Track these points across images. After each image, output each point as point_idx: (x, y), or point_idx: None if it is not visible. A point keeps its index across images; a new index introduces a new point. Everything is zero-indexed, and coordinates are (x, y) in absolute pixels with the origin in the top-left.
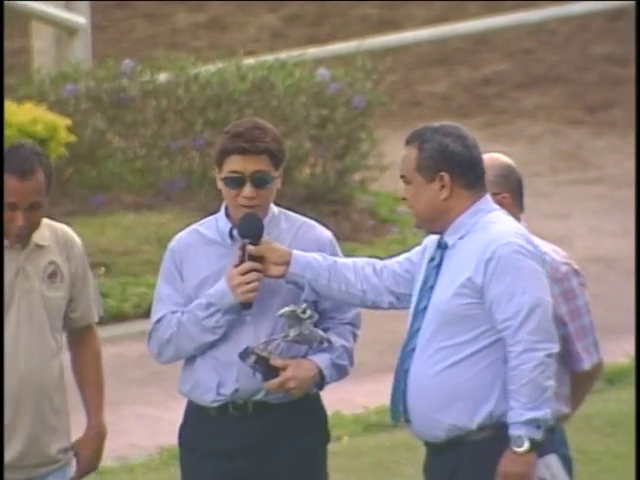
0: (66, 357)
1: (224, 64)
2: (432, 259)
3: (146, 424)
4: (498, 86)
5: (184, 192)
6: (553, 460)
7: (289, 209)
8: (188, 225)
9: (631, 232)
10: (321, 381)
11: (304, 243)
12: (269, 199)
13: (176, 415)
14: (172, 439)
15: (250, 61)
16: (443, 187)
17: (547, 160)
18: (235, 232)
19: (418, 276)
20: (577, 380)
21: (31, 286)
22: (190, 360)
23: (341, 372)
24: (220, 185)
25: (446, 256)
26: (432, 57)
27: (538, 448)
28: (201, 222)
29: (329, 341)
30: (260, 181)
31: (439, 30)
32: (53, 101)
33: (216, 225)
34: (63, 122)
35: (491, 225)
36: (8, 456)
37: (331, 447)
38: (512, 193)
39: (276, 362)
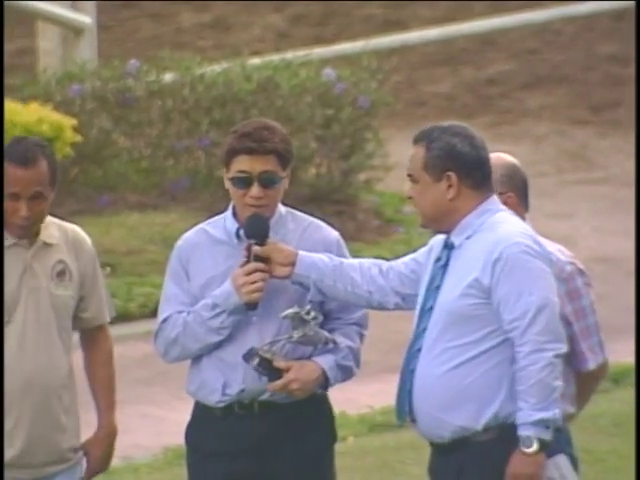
0: (79, 356)
1: (229, 64)
2: (438, 259)
3: (150, 424)
4: (503, 86)
5: (189, 192)
6: (562, 460)
7: (294, 209)
8: (193, 225)
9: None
10: (325, 382)
11: (311, 243)
12: (276, 199)
13: (181, 415)
14: (176, 439)
15: (255, 61)
16: (450, 187)
17: (552, 160)
18: (242, 232)
19: (424, 276)
20: (582, 380)
21: (38, 284)
22: (196, 360)
23: (346, 373)
24: (227, 185)
25: (453, 256)
26: (437, 57)
27: (547, 448)
28: (209, 221)
29: (334, 342)
30: (267, 181)
31: (444, 30)
32: (59, 101)
33: (223, 225)
34: (69, 122)
35: (498, 225)
36: (10, 454)
37: (336, 447)
38: (517, 193)
39: (279, 363)
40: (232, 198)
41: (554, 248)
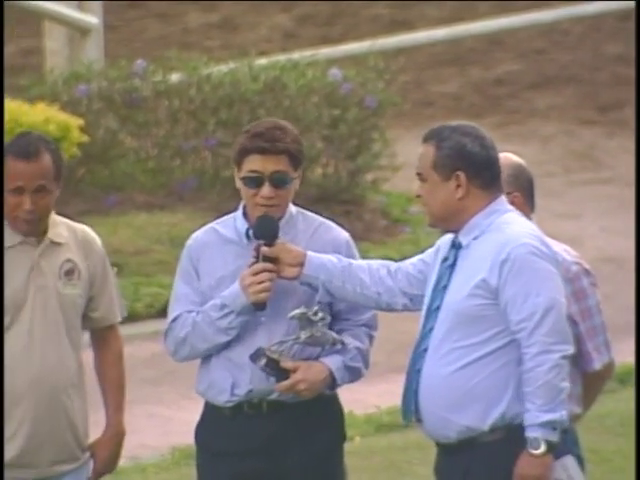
0: (89, 356)
1: (236, 64)
2: (446, 259)
3: (158, 424)
4: (510, 86)
5: (196, 192)
6: (570, 461)
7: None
8: (201, 225)
9: None
10: (333, 383)
11: (320, 244)
12: (287, 199)
13: (188, 415)
14: (184, 439)
15: (262, 61)
16: (459, 186)
17: (559, 160)
18: (252, 232)
19: (431, 276)
20: (588, 380)
21: (46, 282)
22: (206, 360)
23: (354, 374)
24: (239, 184)
25: (460, 256)
26: (444, 57)
27: (555, 450)
28: (219, 220)
29: (342, 343)
30: (279, 181)
31: (452, 30)
32: (66, 101)
33: (234, 224)
34: (75, 122)
35: (506, 226)
36: (15, 452)
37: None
38: (523, 192)
39: (286, 364)
40: (243, 198)
41: (560, 248)
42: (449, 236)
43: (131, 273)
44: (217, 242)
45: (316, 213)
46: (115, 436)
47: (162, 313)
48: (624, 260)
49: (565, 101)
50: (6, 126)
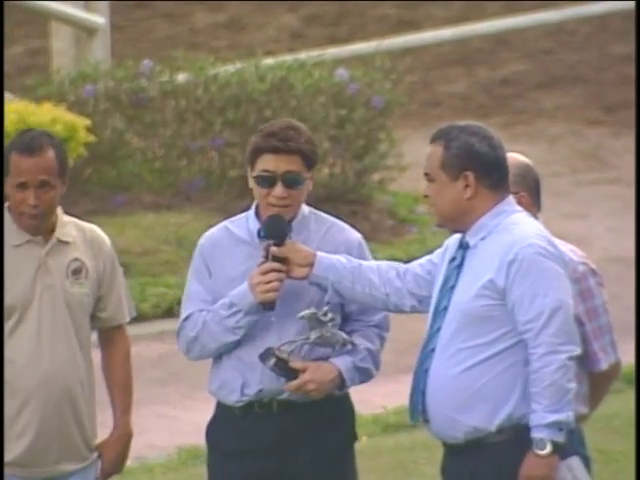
0: (97, 356)
1: (243, 64)
2: (453, 259)
3: (165, 424)
4: (517, 86)
5: (203, 192)
6: (575, 462)
7: None
8: (207, 225)
9: None
10: (342, 384)
11: (332, 245)
12: (300, 200)
13: (195, 415)
14: (191, 439)
15: (269, 61)
16: (467, 186)
17: (566, 160)
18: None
19: (438, 276)
20: (595, 380)
21: (53, 281)
22: (217, 359)
23: (364, 375)
24: (251, 184)
25: (467, 256)
26: (451, 57)
27: (560, 451)
28: (232, 219)
29: (353, 344)
30: (291, 181)
31: (459, 30)
32: (72, 101)
33: (246, 224)
34: (82, 122)
35: (513, 227)
36: (23, 450)
37: None
38: (530, 192)
39: (295, 364)
40: (255, 197)
41: (566, 248)
42: (457, 236)
43: (138, 273)
44: (229, 241)
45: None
46: (122, 437)
47: (169, 313)
48: (631, 260)
49: (572, 101)
50: (13, 126)
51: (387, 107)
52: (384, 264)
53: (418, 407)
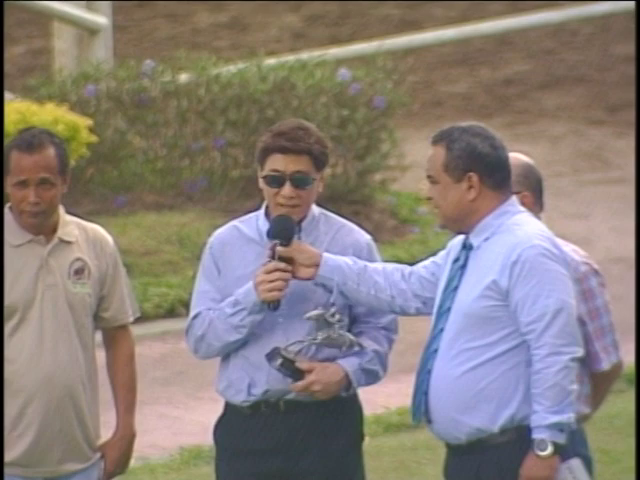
0: (101, 356)
1: (245, 64)
2: (456, 260)
3: (167, 424)
4: (520, 86)
5: (205, 192)
6: (576, 463)
7: None
8: (209, 225)
9: None
10: (348, 385)
11: (341, 246)
12: (309, 200)
13: (197, 415)
14: (193, 439)
15: (271, 61)
16: (471, 187)
17: (569, 160)
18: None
19: (442, 277)
20: (597, 380)
21: (55, 281)
22: (225, 359)
23: (371, 377)
24: (261, 184)
25: (471, 257)
26: (453, 57)
27: (561, 452)
28: (242, 218)
29: (360, 345)
30: (300, 181)
31: (461, 30)
32: (74, 101)
33: (256, 224)
34: (84, 122)
35: (516, 227)
36: (23, 450)
37: None
38: (532, 192)
39: (302, 365)
40: (265, 197)
41: (568, 248)
42: (460, 237)
43: (140, 273)
44: (238, 240)
45: None
46: (126, 437)
47: (171, 313)
48: (633, 260)
49: (574, 101)
50: (15, 126)
51: (389, 107)
52: (389, 266)
53: (421, 407)
